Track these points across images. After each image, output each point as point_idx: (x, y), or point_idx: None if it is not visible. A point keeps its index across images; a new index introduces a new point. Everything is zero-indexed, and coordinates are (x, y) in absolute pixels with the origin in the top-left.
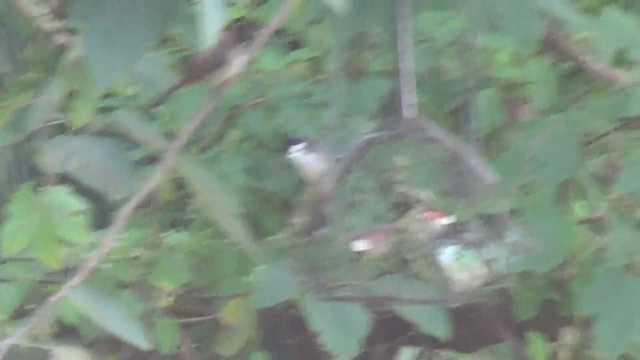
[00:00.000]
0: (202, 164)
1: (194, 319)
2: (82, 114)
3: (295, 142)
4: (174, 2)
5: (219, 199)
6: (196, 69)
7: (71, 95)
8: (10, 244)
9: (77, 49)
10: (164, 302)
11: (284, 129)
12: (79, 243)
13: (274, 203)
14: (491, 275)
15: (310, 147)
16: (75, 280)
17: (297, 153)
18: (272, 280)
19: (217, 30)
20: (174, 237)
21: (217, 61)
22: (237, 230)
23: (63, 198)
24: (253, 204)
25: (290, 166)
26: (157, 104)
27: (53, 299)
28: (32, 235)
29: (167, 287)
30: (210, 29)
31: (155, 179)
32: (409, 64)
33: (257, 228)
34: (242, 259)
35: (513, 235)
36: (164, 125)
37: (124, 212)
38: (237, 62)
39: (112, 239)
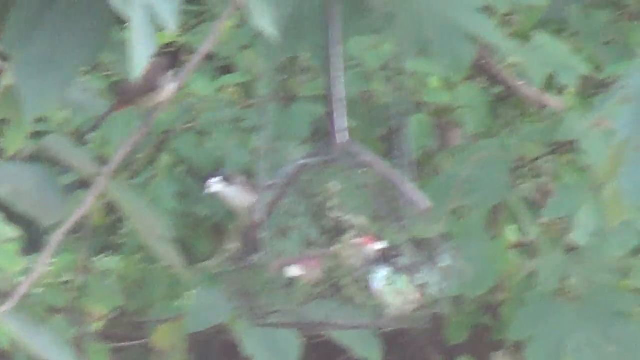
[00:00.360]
0: (133, 188)
1: (125, 344)
2: (14, 141)
3: (213, 175)
4: (105, 29)
5: (150, 224)
6: (127, 94)
7: (3, 122)
8: None
9: (8, 77)
10: (96, 326)
11: (215, 153)
12: (11, 269)
13: (204, 228)
14: (423, 300)
15: (228, 180)
16: (7, 305)
17: (215, 187)
18: (203, 305)
19: (147, 57)
20: (105, 262)
21: (147, 86)
22: (168, 255)
23: None
24: (184, 228)
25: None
26: (91, 130)
27: None
28: None
29: (99, 312)
30: (140, 57)
31: (86, 204)
32: (340, 89)
33: (188, 253)
34: (173, 284)
35: (445, 259)
36: (95, 150)
37: (55, 238)
38: (168, 87)
39: (44, 265)
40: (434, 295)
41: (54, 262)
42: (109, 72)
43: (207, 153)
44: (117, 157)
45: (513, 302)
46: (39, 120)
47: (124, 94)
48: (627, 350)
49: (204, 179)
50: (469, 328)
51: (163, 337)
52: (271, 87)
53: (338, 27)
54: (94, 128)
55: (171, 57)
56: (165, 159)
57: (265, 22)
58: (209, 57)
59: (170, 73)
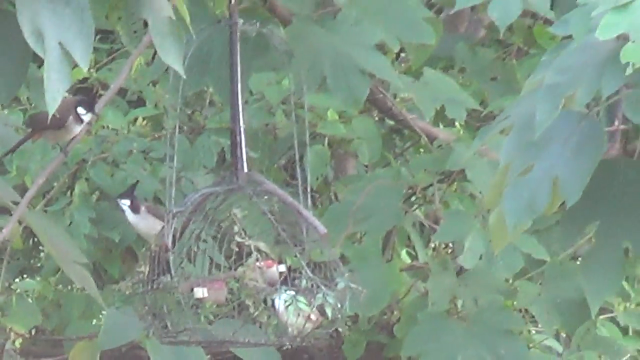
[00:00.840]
0: (48, 216)
1: None
2: None
3: (124, 196)
4: (23, 66)
5: (64, 249)
6: (40, 124)
7: None
8: None
9: None
10: (16, 343)
11: (127, 182)
12: None
13: (117, 251)
14: (322, 319)
15: (134, 204)
16: None
17: (125, 209)
18: (116, 324)
19: (61, 92)
20: (24, 283)
21: (57, 121)
22: (82, 278)
23: None
24: (98, 252)
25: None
26: (4, 156)
27: None
28: None
29: (18, 330)
30: (55, 91)
31: (6, 230)
32: (243, 121)
33: (102, 275)
34: (88, 304)
35: (342, 282)
36: (15, 179)
37: None
38: (76, 125)
39: None
40: (331, 315)
41: None
42: (26, 107)
43: (119, 181)
44: (35, 185)
45: (406, 320)
46: None
47: (37, 125)
48: None
49: (114, 198)
50: (365, 345)
51: (79, 354)
52: (179, 119)
53: (240, 64)
54: (6, 154)
55: (85, 91)
56: (80, 186)
57: (172, 59)
58: (122, 92)
59: (80, 111)
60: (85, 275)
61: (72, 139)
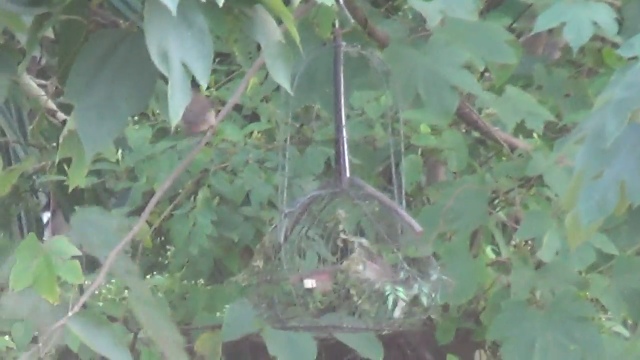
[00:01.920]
0: (151, 300)
1: None
2: (76, 177)
3: None
4: (152, 81)
5: (164, 330)
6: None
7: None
8: (17, 282)
9: (71, 123)
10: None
11: (244, 189)
12: (75, 283)
13: (236, 249)
14: (422, 308)
15: None
16: (72, 312)
17: None
18: (238, 316)
19: (183, 107)
20: (154, 279)
21: (199, 117)
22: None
23: (62, 245)
24: (219, 250)
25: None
26: None
27: (54, 327)
28: (35, 275)
29: None
30: (177, 106)
31: (135, 230)
32: (345, 133)
33: (222, 271)
34: (212, 297)
35: (435, 274)
36: (143, 186)
37: (110, 257)
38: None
39: (102, 278)
40: (426, 303)
41: (113, 281)
42: (156, 122)
43: (237, 188)
44: (160, 189)
45: (491, 309)
46: (97, 159)
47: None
48: (587, 349)
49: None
50: (455, 331)
51: (204, 344)
52: (289, 132)
53: (343, 82)
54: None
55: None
56: (203, 193)
57: (281, 77)
58: (238, 108)
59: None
60: (182, 356)
61: (195, 149)
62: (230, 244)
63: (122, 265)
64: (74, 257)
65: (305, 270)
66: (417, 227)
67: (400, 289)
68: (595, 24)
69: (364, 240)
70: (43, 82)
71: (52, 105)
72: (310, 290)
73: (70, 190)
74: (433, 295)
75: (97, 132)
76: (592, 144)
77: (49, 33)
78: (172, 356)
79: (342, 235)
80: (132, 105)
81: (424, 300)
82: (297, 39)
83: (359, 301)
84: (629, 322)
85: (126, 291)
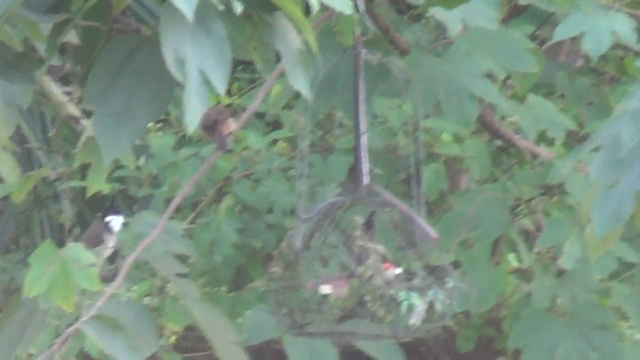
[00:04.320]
0: (211, 301)
1: (194, 354)
2: (95, 182)
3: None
4: (170, 88)
5: (223, 331)
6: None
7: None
8: (31, 288)
9: (89, 129)
10: (170, 340)
11: (268, 197)
12: (92, 289)
13: (259, 257)
14: (437, 315)
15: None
16: (87, 315)
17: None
18: (259, 322)
19: (199, 114)
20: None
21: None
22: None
23: (79, 252)
24: (242, 257)
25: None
26: None
27: (68, 330)
28: (50, 282)
29: (172, 328)
30: (194, 113)
31: (153, 236)
32: (366, 140)
33: (245, 278)
34: (233, 304)
35: (451, 281)
36: (166, 193)
37: (126, 264)
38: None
39: (119, 282)
40: (442, 311)
41: (135, 288)
42: (179, 129)
43: (260, 196)
44: (180, 195)
45: (512, 317)
46: (119, 166)
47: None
48: (608, 357)
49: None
50: (476, 338)
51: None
52: (312, 140)
53: (364, 90)
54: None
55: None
56: (226, 201)
57: (300, 84)
58: (261, 116)
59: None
60: (240, 355)
61: (216, 155)
62: (253, 252)
63: (171, 268)
64: (91, 263)
65: (323, 276)
66: (433, 234)
67: (415, 295)
68: (614, 33)
69: (380, 247)
70: (68, 89)
71: (76, 112)
72: (326, 296)
73: (90, 195)
74: (448, 303)
75: (115, 138)
76: (607, 153)
77: (74, 39)
78: (231, 355)
79: (359, 242)
80: (150, 111)
81: (439, 307)
82: (315, 47)
83: (374, 307)
84: None
85: (146, 298)
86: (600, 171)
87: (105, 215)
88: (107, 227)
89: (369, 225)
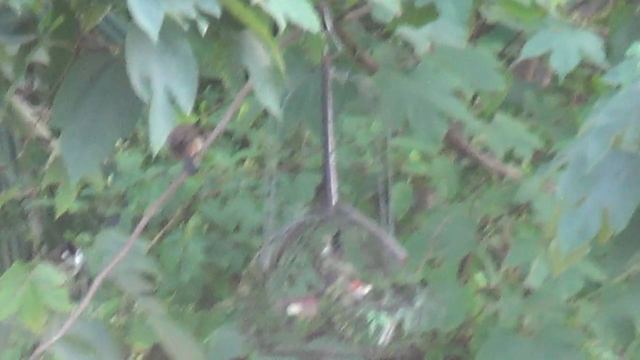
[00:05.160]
0: (173, 319)
1: None
2: (64, 202)
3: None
4: (137, 107)
5: (186, 351)
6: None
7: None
8: (1, 311)
9: (57, 148)
10: (136, 359)
11: (235, 215)
12: (62, 310)
13: (226, 276)
14: (405, 334)
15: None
16: (56, 336)
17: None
18: (225, 341)
19: (165, 133)
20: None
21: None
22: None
23: (49, 273)
24: (209, 276)
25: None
26: None
27: (37, 351)
28: (20, 303)
29: (139, 347)
30: (159, 133)
31: (121, 255)
32: (334, 159)
33: (212, 297)
34: (200, 323)
35: (421, 301)
36: (133, 212)
37: (95, 284)
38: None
39: (86, 304)
40: (410, 330)
41: (102, 306)
42: (146, 148)
43: (228, 215)
44: (148, 214)
45: (480, 336)
46: (86, 185)
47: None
48: None
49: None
50: (443, 357)
51: None
52: (279, 159)
53: (332, 108)
54: None
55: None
56: (194, 220)
57: (269, 101)
58: (229, 135)
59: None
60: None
61: (183, 175)
62: (220, 271)
63: (137, 286)
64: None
65: (291, 296)
66: (401, 253)
67: (383, 314)
68: (581, 51)
69: (348, 267)
70: (37, 109)
71: (45, 132)
72: (294, 316)
73: (58, 215)
74: (417, 322)
75: (82, 157)
76: (574, 170)
77: (43, 58)
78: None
79: (327, 262)
80: (117, 130)
81: (408, 326)
82: (281, 66)
83: (343, 327)
84: (618, 348)
85: (113, 316)
86: (566, 188)
87: (62, 251)
88: (70, 249)
89: (336, 244)
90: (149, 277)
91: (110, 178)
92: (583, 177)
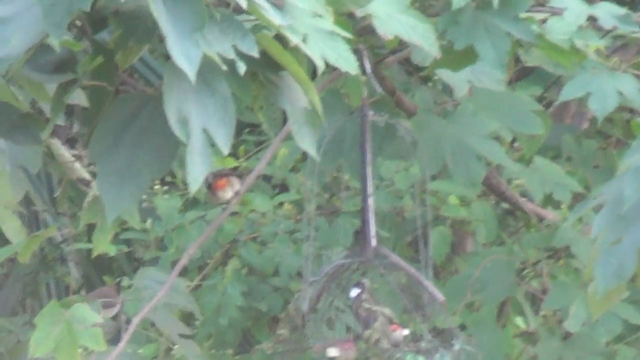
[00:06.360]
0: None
1: None
2: (101, 243)
3: None
4: (174, 147)
5: None
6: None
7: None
8: (37, 349)
9: (95, 188)
10: None
11: (273, 259)
12: (97, 349)
13: (265, 319)
14: None
15: None
16: None
17: None
18: None
19: (203, 174)
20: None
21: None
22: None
23: (84, 312)
24: (248, 320)
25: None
26: None
27: None
28: (56, 342)
29: None
30: (197, 174)
31: (158, 297)
32: (373, 202)
33: (251, 341)
34: None
35: (458, 344)
36: (172, 255)
37: (131, 326)
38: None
39: (124, 343)
40: None
41: (140, 351)
42: (185, 191)
43: (266, 259)
44: (185, 257)
45: None
46: (125, 229)
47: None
48: None
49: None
50: None
51: None
52: (318, 203)
53: (371, 151)
54: None
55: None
56: (232, 263)
57: (307, 144)
58: (267, 178)
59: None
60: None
61: (222, 218)
62: (259, 314)
63: (176, 329)
64: (96, 323)
65: (330, 339)
66: (440, 297)
67: (421, 358)
68: (620, 94)
69: (386, 310)
70: (75, 152)
71: (86, 174)
72: (333, 359)
73: (96, 257)
74: None
75: (119, 196)
76: (610, 209)
77: (82, 101)
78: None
79: (366, 305)
80: (153, 170)
81: None
82: (319, 108)
83: None
84: None
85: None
86: (602, 228)
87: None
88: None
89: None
90: (188, 321)
91: (149, 222)
92: (619, 216)
